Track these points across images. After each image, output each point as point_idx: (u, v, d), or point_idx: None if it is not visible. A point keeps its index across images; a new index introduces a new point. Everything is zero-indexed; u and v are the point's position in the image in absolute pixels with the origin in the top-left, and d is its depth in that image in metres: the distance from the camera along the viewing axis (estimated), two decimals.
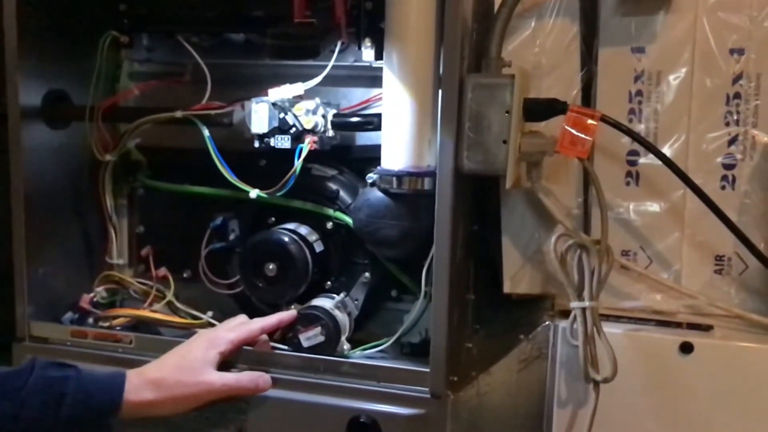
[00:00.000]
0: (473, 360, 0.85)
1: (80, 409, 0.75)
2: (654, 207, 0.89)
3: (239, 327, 0.84)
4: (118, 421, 0.77)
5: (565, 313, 0.89)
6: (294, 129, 0.86)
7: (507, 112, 0.77)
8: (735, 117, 0.87)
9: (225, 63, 0.92)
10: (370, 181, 0.86)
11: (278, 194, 0.87)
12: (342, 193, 0.90)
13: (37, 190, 0.91)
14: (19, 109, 0.89)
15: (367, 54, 0.85)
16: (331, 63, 0.85)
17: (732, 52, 0.86)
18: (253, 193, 0.87)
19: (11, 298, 0.91)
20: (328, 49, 0.85)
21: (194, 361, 0.80)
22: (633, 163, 0.90)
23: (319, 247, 0.90)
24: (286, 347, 0.86)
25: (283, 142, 0.86)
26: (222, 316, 0.93)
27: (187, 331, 0.92)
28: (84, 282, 0.97)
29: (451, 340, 0.79)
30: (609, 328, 0.86)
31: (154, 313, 0.93)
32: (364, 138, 0.92)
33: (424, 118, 0.80)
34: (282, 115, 0.86)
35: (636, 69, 0.88)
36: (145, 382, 0.78)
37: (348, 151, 0.92)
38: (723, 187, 0.88)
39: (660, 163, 0.86)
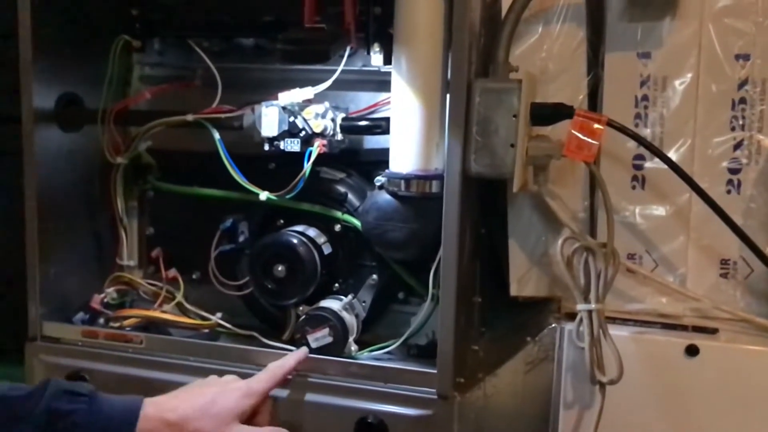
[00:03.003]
0: (480, 362, 0.85)
1: None
2: (660, 211, 0.90)
3: (269, 379, 0.80)
4: None
5: (572, 316, 0.89)
6: (303, 132, 0.87)
7: (514, 116, 0.78)
8: (740, 122, 0.88)
9: (235, 67, 0.93)
10: (378, 183, 0.86)
11: (287, 197, 0.88)
12: (350, 196, 0.91)
13: (49, 192, 0.93)
14: (32, 112, 0.90)
15: (376, 59, 0.86)
16: (341, 67, 0.86)
17: (737, 57, 0.87)
18: (263, 195, 0.88)
19: (24, 299, 0.92)
20: (337, 54, 0.86)
21: (224, 410, 0.75)
22: (639, 167, 0.90)
23: (327, 249, 0.91)
24: (294, 348, 0.87)
25: (292, 145, 0.87)
26: (231, 317, 0.94)
27: (197, 332, 0.93)
28: (95, 283, 0.97)
29: (458, 342, 0.80)
30: (615, 331, 0.86)
31: (164, 313, 0.94)
32: (371, 141, 0.93)
33: (432, 122, 0.81)
34: (292, 118, 0.87)
35: (642, 74, 0.89)
36: (165, 424, 0.72)
37: (356, 155, 0.93)
38: (728, 192, 0.88)
39: (666, 167, 0.86)
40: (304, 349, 0.84)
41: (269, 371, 0.81)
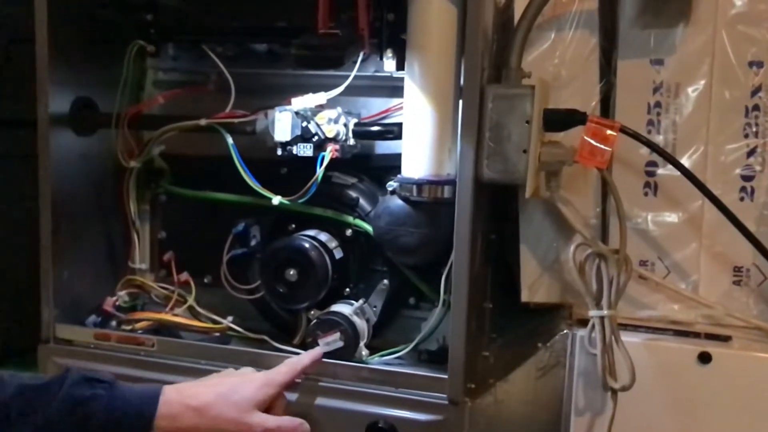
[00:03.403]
0: (490, 368, 0.85)
1: None
2: (672, 217, 0.90)
3: (288, 371, 0.81)
4: None
5: (583, 322, 0.89)
6: (316, 137, 0.87)
7: (527, 122, 0.78)
8: (754, 129, 0.88)
9: (249, 72, 0.94)
10: (390, 188, 0.87)
11: (299, 201, 0.88)
12: (361, 201, 0.91)
13: (63, 195, 0.93)
14: (48, 115, 0.91)
15: (389, 64, 0.86)
16: (354, 73, 0.86)
17: (751, 64, 0.87)
18: (276, 199, 0.88)
19: (37, 301, 0.92)
20: (350, 60, 0.86)
21: (244, 398, 0.76)
22: (651, 174, 0.90)
23: (338, 254, 0.91)
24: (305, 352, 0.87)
25: (305, 150, 0.88)
26: (242, 321, 0.94)
27: (208, 335, 0.94)
28: (107, 286, 0.98)
29: (469, 347, 0.80)
30: (627, 337, 0.86)
31: (176, 317, 0.95)
32: (383, 147, 0.93)
33: (445, 128, 0.81)
34: (304, 123, 0.88)
35: (655, 81, 0.89)
36: (187, 408, 0.74)
37: (368, 160, 0.93)
38: (741, 199, 0.88)
39: (678, 174, 0.86)
40: (319, 349, 0.85)
41: (287, 365, 0.82)
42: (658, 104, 0.89)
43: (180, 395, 0.75)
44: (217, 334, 0.94)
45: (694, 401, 0.87)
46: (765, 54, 0.87)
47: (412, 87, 0.82)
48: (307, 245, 0.88)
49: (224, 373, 0.83)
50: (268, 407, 0.79)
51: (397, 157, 0.85)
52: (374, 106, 0.93)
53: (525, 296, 0.90)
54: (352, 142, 0.89)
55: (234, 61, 0.93)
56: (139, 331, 0.93)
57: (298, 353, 0.86)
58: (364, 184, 0.92)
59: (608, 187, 0.87)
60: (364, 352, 0.87)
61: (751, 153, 0.88)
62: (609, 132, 0.81)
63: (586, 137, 0.81)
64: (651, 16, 0.88)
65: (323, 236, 0.91)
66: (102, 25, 0.96)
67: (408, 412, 0.80)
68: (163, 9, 0.94)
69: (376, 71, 0.90)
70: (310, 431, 0.79)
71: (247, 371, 0.82)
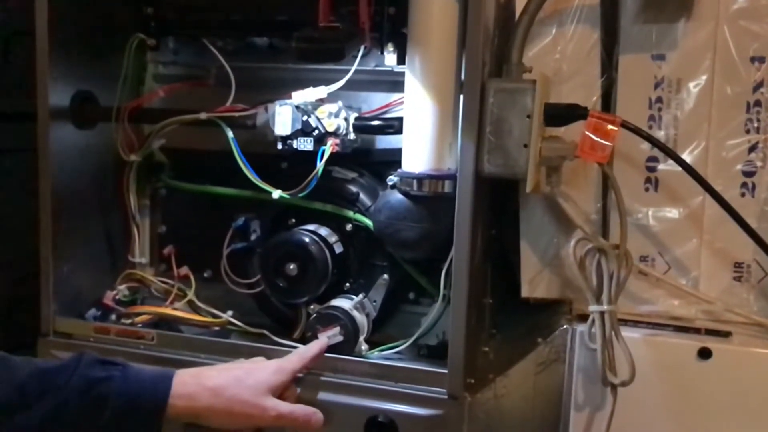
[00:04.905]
0: (490, 363, 0.85)
1: (123, 413, 0.72)
2: (673, 213, 0.90)
3: (298, 360, 0.82)
4: (165, 422, 0.73)
5: (583, 318, 0.89)
6: (316, 131, 0.87)
7: (528, 116, 0.78)
8: (755, 124, 0.87)
9: (249, 66, 0.94)
10: (390, 183, 0.87)
11: (300, 195, 0.88)
12: (362, 196, 0.91)
13: (63, 189, 0.93)
14: (48, 109, 0.91)
15: (390, 59, 0.86)
16: (354, 67, 0.86)
17: (753, 60, 0.87)
18: (276, 194, 0.88)
19: (37, 295, 0.92)
20: (351, 54, 0.86)
21: (258, 381, 0.77)
22: (652, 169, 0.90)
23: (338, 249, 0.91)
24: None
25: (305, 144, 0.88)
26: (242, 315, 0.94)
27: (208, 330, 0.94)
28: (107, 280, 0.98)
29: (469, 343, 0.80)
30: (627, 333, 0.86)
31: (176, 311, 0.95)
32: (383, 141, 0.93)
33: (446, 122, 0.81)
34: (305, 117, 0.87)
35: (656, 76, 0.89)
36: (203, 388, 0.75)
37: (368, 154, 0.93)
38: (743, 194, 0.88)
39: (679, 169, 0.86)
40: (324, 340, 0.85)
41: (297, 353, 0.83)
42: (659, 99, 0.89)
43: (195, 376, 0.76)
44: (217, 328, 0.94)
45: (693, 397, 0.87)
46: (767, 49, 0.86)
47: (412, 81, 0.82)
48: (307, 240, 0.88)
49: (236, 361, 0.83)
50: (280, 395, 0.79)
51: (398, 151, 0.85)
52: (375, 100, 0.93)
53: (525, 291, 0.90)
54: (352, 136, 0.89)
55: (234, 55, 0.93)
56: (139, 325, 0.94)
57: (297, 348, 0.86)
58: (364, 179, 0.92)
59: (609, 182, 0.87)
60: (364, 346, 0.87)
61: (752, 149, 0.88)
62: (610, 127, 0.80)
63: (587, 132, 0.81)
64: (652, 11, 0.88)
65: (323, 231, 0.91)
66: (102, 18, 0.95)
67: (407, 407, 0.80)
68: (163, 2, 0.94)
69: (376, 65, 0.90)
70: (322, 421, 0.79)
71: (259, 360, 0.83)
